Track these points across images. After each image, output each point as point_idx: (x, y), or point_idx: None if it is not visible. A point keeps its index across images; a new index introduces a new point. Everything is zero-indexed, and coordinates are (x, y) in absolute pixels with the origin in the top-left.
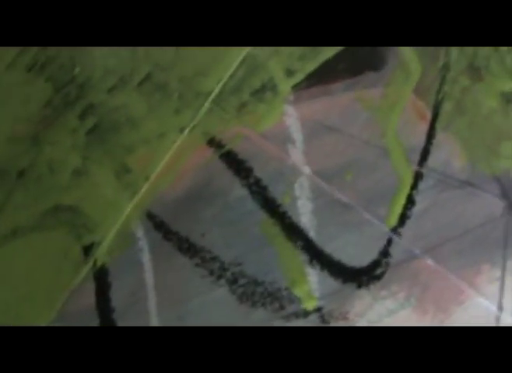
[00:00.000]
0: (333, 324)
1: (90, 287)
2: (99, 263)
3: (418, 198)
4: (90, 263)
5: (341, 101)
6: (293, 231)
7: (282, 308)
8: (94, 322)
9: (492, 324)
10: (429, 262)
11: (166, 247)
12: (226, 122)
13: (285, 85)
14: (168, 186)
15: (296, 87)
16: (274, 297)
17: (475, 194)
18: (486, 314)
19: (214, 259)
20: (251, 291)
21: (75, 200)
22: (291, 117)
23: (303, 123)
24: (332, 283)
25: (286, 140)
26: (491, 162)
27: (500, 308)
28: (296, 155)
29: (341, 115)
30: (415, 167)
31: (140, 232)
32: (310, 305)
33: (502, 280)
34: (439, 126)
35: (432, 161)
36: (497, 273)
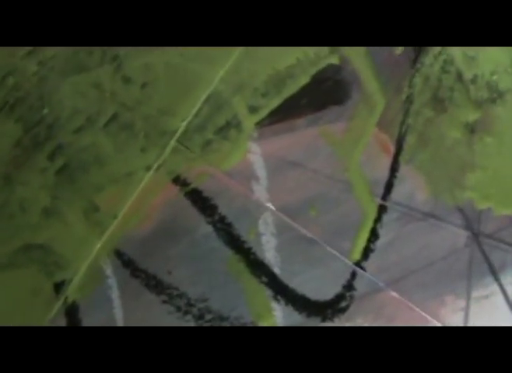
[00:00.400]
0: None
1: (62, 324)
2: (70, 300)
3: (381, 231)
4: (61, 300)
5: (304, 136)
6: (258, 267)
7: None
8: None
9: None
10: (394, 294)
11: (134, 284)
12: (191, 160)
13: (249, 122)
14: (135, 224)
15: (260, 124)
16: None
17: (439, 226)
18: None
19: (180, 295)
20: (217, 326)
21: (45, 238)
22: (255, 154)
23: (267, 159)
24: (297, 317)
25: (250, 177)
26: (455, 194)
27: None
28: (260, 191)
29: (304, 150)
30: (378, 200)
31: (109, 270)
32: None
33: (466, 310)
34: (402, 159)
35: (396, 194)
36: (461, 303)
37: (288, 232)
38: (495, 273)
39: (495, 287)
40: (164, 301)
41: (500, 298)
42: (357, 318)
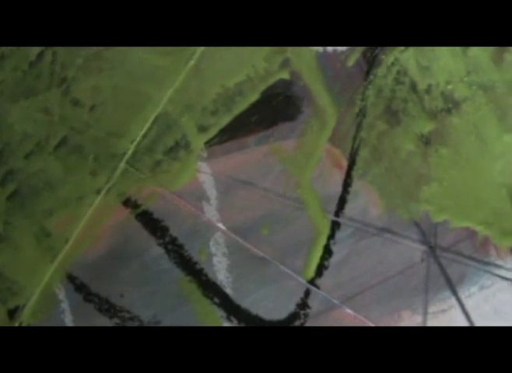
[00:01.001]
0: None
1: None
2: (24, 326)
3: (335, 248)
4: (15, 326)
5: (255, 154)
6: (210, 288)
7: None
8: None
9: None
10: (349, 311)
11: (87, 308)
12: (141, 182)
13: (199, 142)
14: (87, 248)
15: (210, 143)
16: None
17: (394, 241)
18: None
19: (133, 318)
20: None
21: None
22: (205, 174)
23: (217, 178)
24: None
25: (201, 197)
26: (410, 207)
27: None
28: (211, 211)
29: (255, 168)
30: (331, 217)
31: (62, 294)
32: None
33: (423, 325)
34: (355, 174)
35: (349, 209)
36: (418, 318)
37: (240, 252)
38: (452, 287)
39: (452, 300)
40: (117, 325)
41: (458, 311)
42: None
